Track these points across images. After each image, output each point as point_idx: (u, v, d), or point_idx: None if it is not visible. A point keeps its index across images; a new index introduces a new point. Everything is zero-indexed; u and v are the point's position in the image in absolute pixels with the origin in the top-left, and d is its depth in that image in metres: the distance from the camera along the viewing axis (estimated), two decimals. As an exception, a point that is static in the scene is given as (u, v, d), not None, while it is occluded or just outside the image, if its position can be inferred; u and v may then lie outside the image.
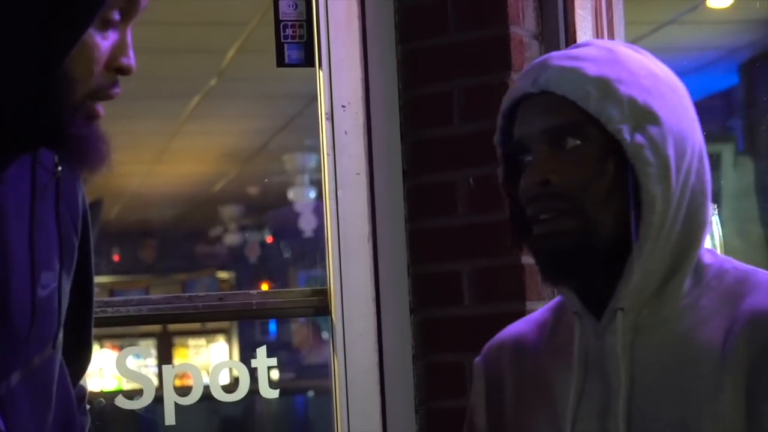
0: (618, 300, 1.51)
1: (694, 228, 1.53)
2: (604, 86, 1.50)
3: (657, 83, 1.53)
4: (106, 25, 1.34)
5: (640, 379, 1.50)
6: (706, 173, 1.56)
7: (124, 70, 1.36)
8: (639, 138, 1.48)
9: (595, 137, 1.50)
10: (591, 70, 1.51)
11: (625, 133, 1.48)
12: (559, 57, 1.56)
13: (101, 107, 1.37)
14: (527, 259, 2.41)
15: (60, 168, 1.44)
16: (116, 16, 1.34)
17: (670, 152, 1.49)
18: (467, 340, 2.47)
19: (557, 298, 1.68)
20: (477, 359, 1.74)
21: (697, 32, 5.12)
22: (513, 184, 1.58)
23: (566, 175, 1.50)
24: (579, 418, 1.52)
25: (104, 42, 1.34)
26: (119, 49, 1.35)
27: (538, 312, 1.70)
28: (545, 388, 1.58)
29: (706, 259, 1.56)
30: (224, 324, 9.38)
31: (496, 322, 2.44)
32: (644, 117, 1.50)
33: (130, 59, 1.36)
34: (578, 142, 1.51)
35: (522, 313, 2.41)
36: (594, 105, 1.49)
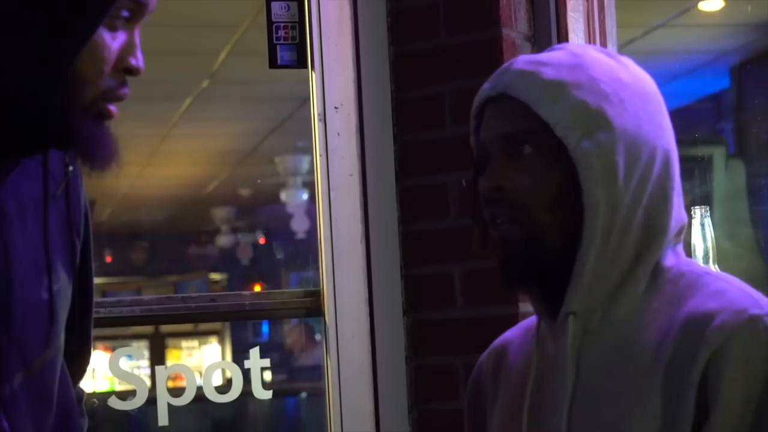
0: (568, 304, 1.52)
1: (653, 233, 1.53)
2: (557, 90, 1.50)
3: (619, 88, 1.52)
4: (115, 26, 1.34)
5: (585, 382, 1.51)
6: (672, 179, 1.55)
7: (132, 71, 1.37)
8: (585, 143, 1.48)
9: (546, 143, 1.50)
10: (548, 74, 1.51)
11: (571, 139, 1.48)
12: (522, 61, 1.56)
13: (114, 107, 1.38)
14: (519, 261, 2.42)
15: (71, 168, 1.45)
16: (125, 16, 1.35)
17: (619, 158, 1.49)
18: (459, 342, 2.47)
19: None
20: None
21: (687, 36, 5.13)
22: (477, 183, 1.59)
23: (517, 181, 1.51)
24: (532, 420, 1.54)
25: (113, 42, 1.35)
26: (128, 49, 1.36)
27: (533, 317, 1.70)
28: (513, 390, 1.60)
29: (668, 261, 1.55)
30: (217, 325, 9.38)
31: (488, 324, 2.45)
32: (595, 122, 1.49)
33: (138, 60, 1.37)
34: (531, 148, 1.51)
35: (514, 316, 2.42)
36: (544, 109, 1.50)
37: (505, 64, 1.58)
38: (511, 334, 1.72)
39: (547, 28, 2.50)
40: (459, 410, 2.46)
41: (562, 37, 2.48)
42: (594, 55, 1.56)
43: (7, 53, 1.28)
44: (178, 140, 6.89)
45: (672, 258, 1.56)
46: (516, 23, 2.48)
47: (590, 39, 2.54)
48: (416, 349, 2.52)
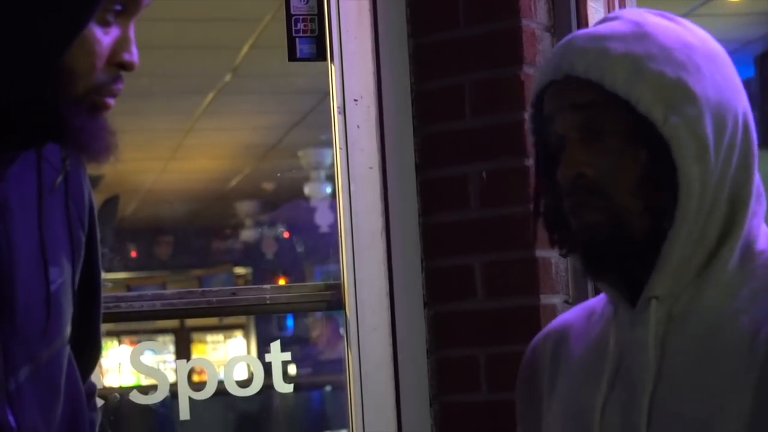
0: (652, 288, 1.44)
1: (737, 207, 1.45)
2: (632, 65, 1.41)
3: (692, 54, 1.44)
4: (107, 20, 1.33)
5: (668, 372, 1.43)
6: (752, 144, 1.46)
7: (126, 66, 1.36)
8: (673, 118, 1.39)
9: (625, 121, 1.42)
10: (616, 48, 1.42)
11: (658, 114, 1.40)
12: (583, 37, 1.47)
13: (111, 99, 1.37)
14: (541, 253, 2.41)
15: (68, 161, 1.44)
16: (118, 10, 1.34)
17: (708, 130, 1.41)
18: (481, 334, 2.46)
19: None
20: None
21: (711, 25, 5.08)
22: (549, 173, 1.50)
23: (598, 165, 1.43)
24: (607, 410, 1.46)
25: (106, 37, 1.34)
26: (121, 44, 1.35)
27: (594, 299, 1.64)
28: (580, 377, 1.52)
29: (761, 245, 1.46)
30: (241, 319, 9.39)
31: (510, 315, 2.45)
32: (678, 94, 1.40)
33: (133, 55, 1.36)
34: (611, 128, 1.42)
35: (536, 307, 2.42)
36: (622, 86, 1.40)
37: (562, 44, 1.49)
38: (569, 317, 1.63)
39: (567, 18, 2.49)
40: (481, 402, 2.47)
41: (582, 27, 2.47)
42: (655, 20, 1.47)
43: None
44: (201, 134, 6.90)
45: (765, 241, 1.47)
46: (535, 13, 2.47)
47: (611, 29, 2.52)
48: (437, 342, 2.51)
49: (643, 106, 1.40)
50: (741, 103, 1.46)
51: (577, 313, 1.63)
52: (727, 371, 1.39)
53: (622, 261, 1.45)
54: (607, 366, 1.48)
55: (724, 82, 1.45)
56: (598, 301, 1.60)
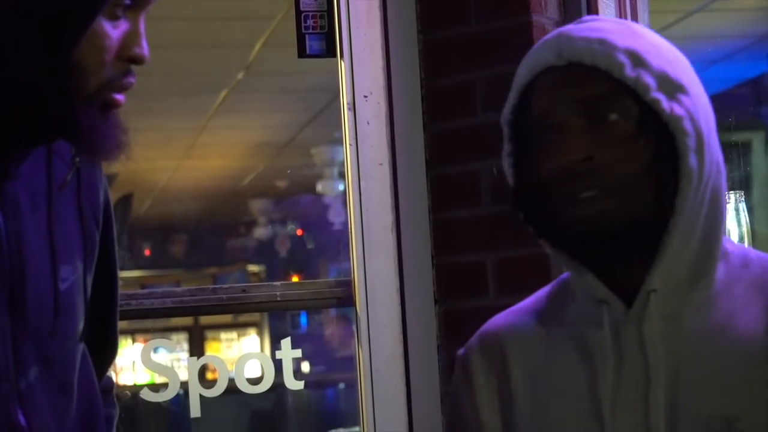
0: (652, 281, 1.44)
1: (719, 209, 1.48)
2: (636, 56, 1.43)
3: (677, 57, 1.48)
4: (116, 14, 1.33)
5: (677, 370, 1.43)
6: (720, 150, 1.50)
7: (136, 60, 1.35)
8: (678, 108, 1.42)
9: (631, 109, 1.43)
10: (618, 40, 1.44)
11: (664, 103, 1.41)
12: (577, 30, 1.48)
13: (122, 96, 1.36)
14: (552, 249, 2.40)
15: (78, 159, 1.44)
16: (127, 4, 1.34)
17: (703, 125, 1.44)
18: (492, 331, 2.45)
19: (546, 288, 1.63)
20: (463, 352, 1.67)
21: (725, 20, 5.08)
22: (529, 165, 1.49)
23: (606, 151, 1.42)
24: (617, 410, 1.45)
25: (115, 31, 1.34)
26: (131, 38, 1.35)
27: (527, 303, 1.64)
28: (567, 380, 1.50)
29: (729, 245, 1.51)
30: (255, 317, 9.40)
31: (521, 312, 2.44)
32: (678, 88, 1.44)
33: (143, 49, 1.35)
34: (615, 115, 1.43)
35: (547, 303, 2.41)
36: (630, 74, 1.42)
37: (555, 35, 1.49)
38: (510, 320, 1.63)
39: (578, 14, 2.48)
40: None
41: (593, 22, 2.46)
42: (636, 24, 1.52)
43: (5, 44, 1.28)
44: (214, 133, 6.90)
45: (728, 242, 1.51)
46: (546, 8, 2.46)
47: (623, 24, 2.51)
48: (448, 339, 2.51)
49: (650, 94, 1.42)
50: (711, 109, 1.50)
51: (520, 316, 1.62)
52: (742, 367, 1.42)
53: (626, 251, 1.45)
54: (609, 367, 1.46)
55: (701, 87, 1.49)
56: (538, 303, 1.61)
